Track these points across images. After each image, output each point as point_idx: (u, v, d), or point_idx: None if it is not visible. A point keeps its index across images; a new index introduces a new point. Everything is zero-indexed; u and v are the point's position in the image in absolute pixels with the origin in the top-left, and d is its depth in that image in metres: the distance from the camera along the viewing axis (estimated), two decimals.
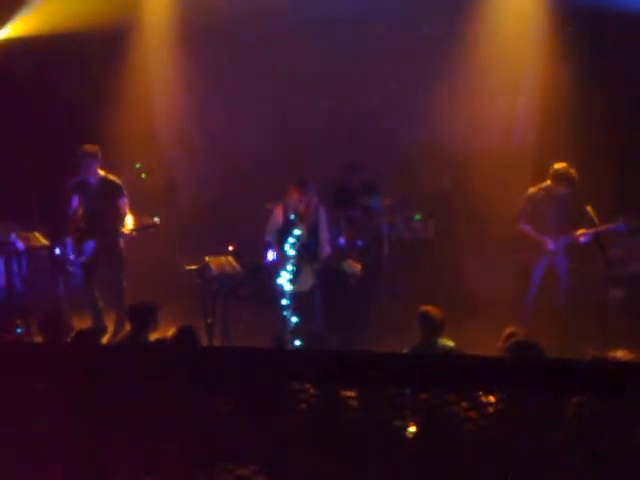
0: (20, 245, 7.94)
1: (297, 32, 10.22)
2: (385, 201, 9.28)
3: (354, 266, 8.68)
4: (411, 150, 10.48)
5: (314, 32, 10.31)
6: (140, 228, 7.95)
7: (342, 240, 9.03)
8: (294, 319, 7.52)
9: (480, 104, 10.39)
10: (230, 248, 8.01)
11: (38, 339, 6.28)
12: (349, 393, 2.32)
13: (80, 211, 8.14)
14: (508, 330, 5.27)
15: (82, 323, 7.13)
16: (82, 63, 9.94)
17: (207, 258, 7.17)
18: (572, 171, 7.58)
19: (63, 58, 9.73)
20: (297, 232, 7.56)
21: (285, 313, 7.54)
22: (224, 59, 10.59)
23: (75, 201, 8.17)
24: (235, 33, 10.27)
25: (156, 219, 7.90)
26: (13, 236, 8.03)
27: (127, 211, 8.06)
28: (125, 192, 8.12)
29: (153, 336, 5.92)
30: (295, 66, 10.45)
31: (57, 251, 8.16)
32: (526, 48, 10.16)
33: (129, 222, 7.97)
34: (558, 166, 7.63)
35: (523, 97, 10.36)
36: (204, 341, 6.34)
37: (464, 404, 2.25)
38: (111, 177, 8.16)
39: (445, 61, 10.29)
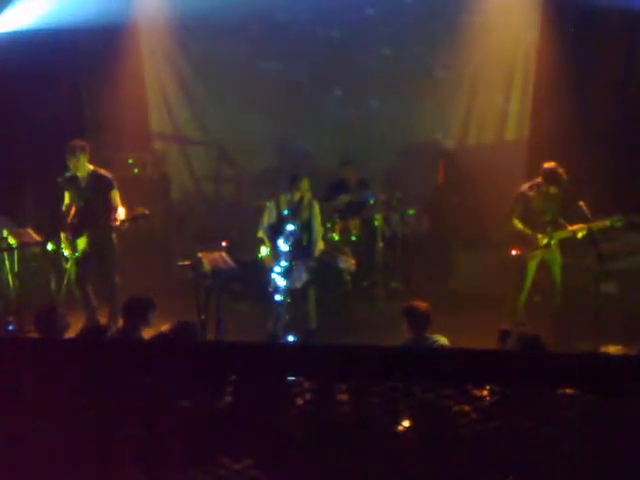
0: (13, 241, 7.89)
1: (294, 28, 10.21)
2: (379, 196, 9.28)
3: (348, 261, 8.67)
4: (405, 146, 10.48)
5: (311, 29, 10.30)
6: (129, 219, 7.90)
7: (336, 235, 9.03)
8: (288, 315, 7.50)
9: (474, 100, 10.39)
10: (223, 244, 7.98)
11: (31, 336, 6.26)
12: (343, 387, 2.31)
13: (72, 207, 8.10)
14: (502, 327, 5.25)
15: (76, 319, 7.11)
16: (76, 58, 9.89)
17: (200, 254, 7.15)
18: (560, 170, 7.57)
19: (56, 53, 9.68)
20: (291, 228, 7.54)
21: (279, 309, 7.53)
22: (219, 54, 10.57)
23: (66, 197, 8.13)
24: (231, 28, 10.24)
25: (146, 212, 7.85)
26: (5, 232, 7.99)
27: (118, 204, 8.01)
28: (116, 185, 8.07)
29: (146, 332, 5.89)
30: (291, 62, 10.44)
31: (50, 247, 8.13)
32: (520, 43, 10.16)
33: (121, 214, 7.93)
34: (546, 166, 7.64)
35: (517, 93, 10.36)
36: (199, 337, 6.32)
37: (458, 398, 2.25)
38: (101, 171, 8.10)
39: (439, 57, 10.31)
